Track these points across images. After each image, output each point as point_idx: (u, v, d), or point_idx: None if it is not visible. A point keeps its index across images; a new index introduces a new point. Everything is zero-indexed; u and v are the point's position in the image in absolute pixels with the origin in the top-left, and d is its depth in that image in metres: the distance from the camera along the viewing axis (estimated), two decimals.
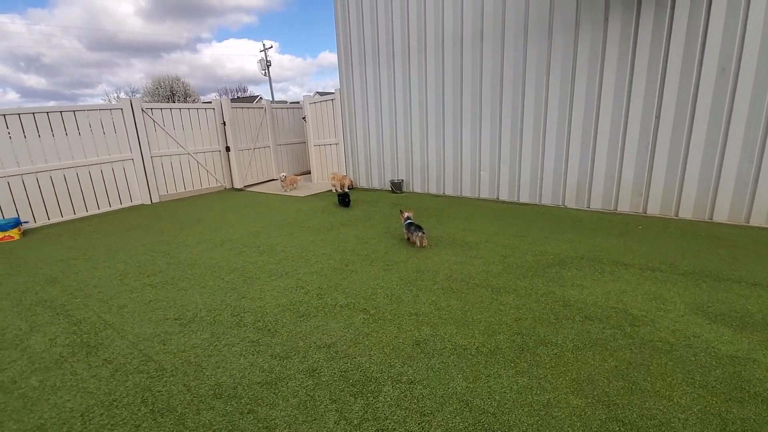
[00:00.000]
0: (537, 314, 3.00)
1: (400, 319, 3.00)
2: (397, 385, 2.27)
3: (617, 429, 1.90)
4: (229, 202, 8.32)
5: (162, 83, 38.81)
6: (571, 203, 6.26)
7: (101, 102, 34.10)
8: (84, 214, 7.47)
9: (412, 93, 7.71)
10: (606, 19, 5.37)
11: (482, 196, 7.23)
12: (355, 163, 9.15)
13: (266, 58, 36.44)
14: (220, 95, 57.40)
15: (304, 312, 3.20)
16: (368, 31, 8.06)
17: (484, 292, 3.40)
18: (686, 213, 5.30)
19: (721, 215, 5.06)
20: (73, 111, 7.26)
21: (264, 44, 37.35)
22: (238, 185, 9.93)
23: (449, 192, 7.68)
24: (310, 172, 10.33)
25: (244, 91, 61.40)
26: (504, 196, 6.96)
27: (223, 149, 9.81)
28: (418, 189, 8.16)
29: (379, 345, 2.68)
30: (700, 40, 4.81)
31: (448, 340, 2.70)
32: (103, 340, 2.95)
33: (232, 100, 11.41)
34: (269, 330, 2.95)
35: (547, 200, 6.49)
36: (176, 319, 3.22)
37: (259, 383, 2.36)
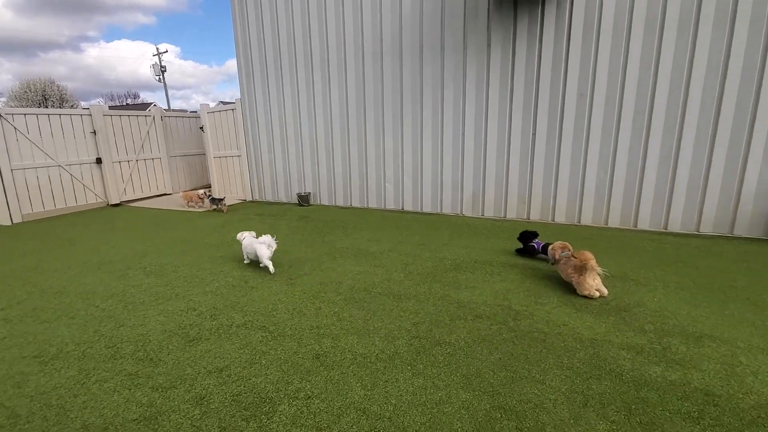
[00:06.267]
0: (434, 317, 3.14)
1: (301, 334, 2.92)
2: (294, 402, 2.19)
3: (499, 416, 2.06)
4: (111, 219, 7.40)
5: (32, 86, 33.49)
6: (467, 212, 6.75)
7: None
8: None
9: (316, 105, 7.70)
10: (489, 45, 5.97)
11: (388, 207, 7.44)
12: (260, 176, 8.81)
13: (160, 62, 33.63)
14: (106, 101, 51.65)
15: (195, 336, 2.94)
16: (269, 42, 7.91)
17: (385, 300, 3.47)
18: (560, 218, 6.05)
19: (587, 219, 5.87)
20: None
21: (158, 48, 34.44)
22: (114, 200, 8.92)
23: (356, 204, 7.77)
24: (210, 186, 9.68)
25: (135, 97, 55.96)
26: (408, 207, 7.25)
27: (95, 161, 8.74)
28: (325, 201, 8.12)
29: (277, 362, 2.57)
30: (563, 69, 5.58)
31: (349, 351, 2.69)
32: None
33: (121, 107, 10.29)
34: (151, 360, 2.65)
35: (447, 210, 6.91)
36: (35, 357, 2.75)
37: (135, 420, 2.10)
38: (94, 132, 8.60)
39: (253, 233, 4.60)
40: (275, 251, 4.31)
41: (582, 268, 3.38)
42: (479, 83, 6.17)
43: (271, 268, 4.18)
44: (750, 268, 3.98)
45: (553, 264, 3.87)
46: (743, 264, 4.09)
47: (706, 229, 5.20)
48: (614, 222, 5.71)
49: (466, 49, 6.15)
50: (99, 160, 8.71)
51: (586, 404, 2.13)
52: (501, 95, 6.05)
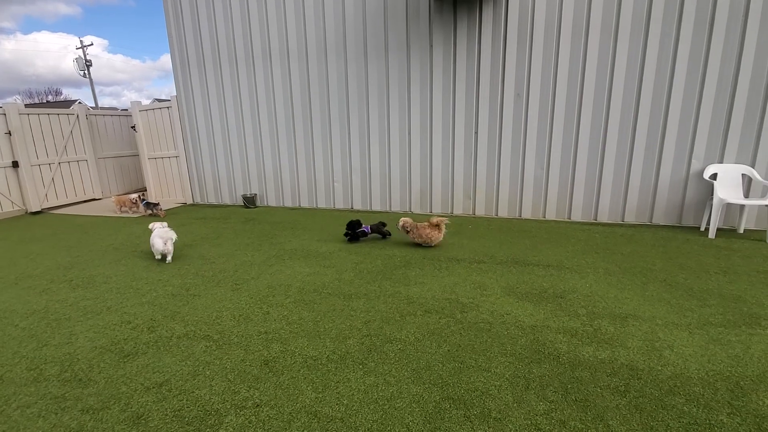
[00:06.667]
0: (384, 314, 3.17)
1: (248, 341, 2.83)
2: (242, 412, 2.12)
3: (448, 406, 2.12)
4: (31, 229, 6.71)
5: None
6: (416, 209, 6.87)
7: None
8: None
9: (259, 103, 7.47)
10: (431, 47, 6.11)
11: (337, 206, 7.39)
12: (201, 177, 8.40)
13: (85, 56, 30.90)
14: (24, 99, 46.88)
15: (130, 351, 2.75)
16: (206, 36, 7.55)
17: (336, 300, 3.45)
18: (503, 212, 6.34)
19: (527, 213, 6.20)
20: None
21: (82, 41, 31.57)
22: (34, 208, 8.11)
23: (305, 204, 7.64)
24: (145, 189, 9.06)
25: (58, 94, 51.25)
26: (358, 206, 7.25)
27: (11, 164, 7.88)
28: (273, 203, 7.90)
29: (223, 372, 2.47)
30: (500, 72, 5.84)
31: (299, 354, 2.65)
32: None
33: (40, 105, 9.36)
34: (80, 380, 2.44)
35: (396, 207, 6.99)
36: None
37: None
38: (9, 132, 7.74)
39: (164, 224, 4.71)
40: (221, 253, 4.14)
41: (436, 226, 4.70)
42: (423, 83, 6.30)
43: (168, 259, 4.50)
44: (665, 252, 4.41)
45: (407, 233, 4.84)
46: (660, 249, 4.52)
47: (630, 218, 5.69)
48: (551, 215, 6.08)
49: (410, 49, 6.25)
50: (15, 164, 7.85)
51: (527, 387, 2.26)
52: (444, 95, 6.22)
